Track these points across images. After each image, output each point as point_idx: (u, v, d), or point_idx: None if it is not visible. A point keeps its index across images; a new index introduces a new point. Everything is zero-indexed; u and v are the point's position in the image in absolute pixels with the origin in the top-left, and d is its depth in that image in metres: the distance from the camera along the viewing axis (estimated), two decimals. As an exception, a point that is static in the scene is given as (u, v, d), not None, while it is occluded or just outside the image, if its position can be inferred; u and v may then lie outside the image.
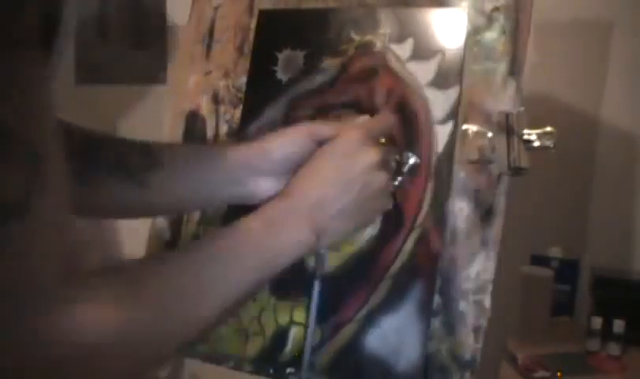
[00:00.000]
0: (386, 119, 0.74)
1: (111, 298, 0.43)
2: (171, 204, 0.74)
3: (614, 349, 1.32)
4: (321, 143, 0.70)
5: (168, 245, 0.96)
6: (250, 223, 0.60)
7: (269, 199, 0.66)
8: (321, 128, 0.71)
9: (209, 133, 0.98)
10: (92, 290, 0.42)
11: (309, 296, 0.84)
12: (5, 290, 0.38)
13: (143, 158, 0.68)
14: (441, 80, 0.84)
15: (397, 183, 0.71)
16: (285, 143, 0.71)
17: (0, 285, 0.38)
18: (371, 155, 0.66)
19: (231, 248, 0.57)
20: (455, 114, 0.83)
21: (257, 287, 0.60)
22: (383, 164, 0.67)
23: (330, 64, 0.91)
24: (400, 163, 0.71)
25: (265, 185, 0.70)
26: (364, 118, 0.76)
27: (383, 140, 0.72)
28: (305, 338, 0.78)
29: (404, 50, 0.88)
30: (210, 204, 0.79)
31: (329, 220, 0.64)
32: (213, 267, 0.54)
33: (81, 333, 0.40)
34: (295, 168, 0.69)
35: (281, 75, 0.94)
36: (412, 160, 0.71)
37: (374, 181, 0.66)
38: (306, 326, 0.77)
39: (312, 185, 0.64)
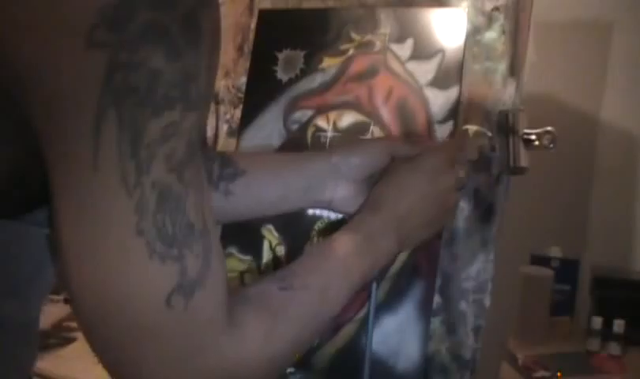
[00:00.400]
0: (465, 146, 0.78)
1: (260, 336, 0.50)
2: (255, 209, 0.77)
3: (614, 349, 1.32)
4: (394, 158, 0.74)
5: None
6: (355, 237, 0.65)
7: (359, 211, 0.71)
8: (401, 145, 0.76)
9: (209, 132, 0.98)
10: (242, 329, 0.49)
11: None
12: (192, 351, 0.45)
13: (223, 168, 0.73)
14: (441, 80, 0.84)
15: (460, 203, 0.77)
16: (365, 152, 0.76)
17: (189, 347, 0.45)
18: (452, 178, 0.71)
19: (343, 263, 0.62)
20: (455, 114, 0.83)
21: (359, 289, 0.65)
22: (459, 185, 0.73)
23: (330, 64, 0.91)
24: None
25: (341, 192, 0.74)
26: (446, 141, 0.80)
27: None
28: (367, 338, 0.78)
29: (404, 50, 0.88)
30: (291, 208, 0.82)
31: (412, 232, 0.69)
32: (334, 284, 0.60)
33: (236, 371, 0.48)
34: (368, 178, 0.74)
35: (281, 75, 0.94)
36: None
37: (450, 200, 0.72)
38: (366, 329, 0.78)
39: (401, 200, 0.69)
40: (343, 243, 0.64)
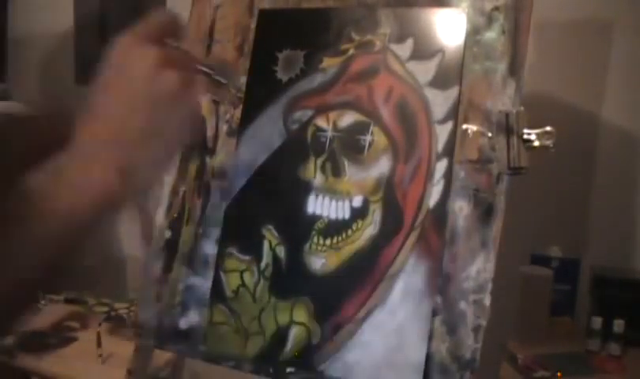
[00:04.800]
0: (164, 16, 0.56)
1: None
2: None
3: (614, 349, 1.31)
4: None
5: (168, 244, 0.96)
6: (37, 181, 0.45)
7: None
8: None
9: (209, 133, 0.98)
10: None
11: (309, 295, 0.84)
12: None
13: None
14: (441, 80, 0.84)
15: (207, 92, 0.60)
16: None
17: None
18: (149, 56, 0.50)
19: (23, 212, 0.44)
20: (455, 114, 0.83)
21: (67, 252, 0.46)
22: (169, 63, 0.50)
23: (330, 64, 0.91)
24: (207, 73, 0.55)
25: None
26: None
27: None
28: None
29: (404, 50, 0.88)
30: None
31: (129, 149, 0.48)
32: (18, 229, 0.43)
33: None
34: None
35: (281, 75, 0.94)
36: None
37: (162, 84, 0.49)
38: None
39: (89, 122, 0.49)
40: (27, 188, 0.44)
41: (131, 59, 0.51)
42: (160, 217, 0.98)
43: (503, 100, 0.81)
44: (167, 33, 0.54)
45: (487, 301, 0.76)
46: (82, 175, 0.46)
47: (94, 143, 0.48)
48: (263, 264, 0.89)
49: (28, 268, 0.44)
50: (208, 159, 0.97)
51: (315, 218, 0.87)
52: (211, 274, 0.92)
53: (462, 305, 0.77)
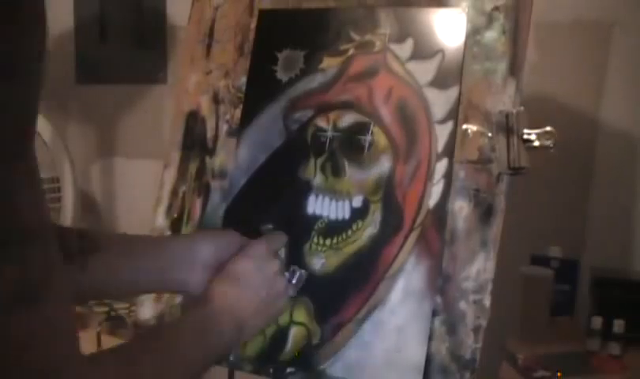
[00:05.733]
0: (283, 238, 0.85)
1: (111, 374, 0.52)
2: (110, 288, 0.78)
3: (614, 349, 1.31)
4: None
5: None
6: (187, 325, 0.71)
7: (198, 299, 0.75)
8: (245, 238, 0.81)
9: (209, 133, 0.98)
10: (98, 366, 0.52)
11: (309, 295, 0.84)
12: (38, 368, 0.43)
13: (81, 242, 0.73)
14: (441, 80, 0.84)
15: (290, 292, 0.83)
16: (219, 240, 0.80)
17: (34, 363, 0.43)
18: (275, 264, 0.79)
19: (183, 338, 0.67)
20: (455, 114, 0.83)
21: (194, 376, 0.69)
22: (282, 272, 0.80)
23: (330, 64, 0.91)
24: (292, 275, 0.83)
25: (197, 276, 0.77)
26: (267, 236, 0.84)
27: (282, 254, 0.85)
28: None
29: (404, 50, 0.88)
30: (148, 290, 0.88)
31: (246, 317, 0.74)
32: (174, 352, 0.65)
33: None
34: (221, 264, 0.77)
35: (281, 75, 0.94)
36: (299, 272, 0.84)
37: (278, 285, 0.79)
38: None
39: (229, 288, 0.74)
40: (180, 327, 0.70)
41: (266, 262, 0.78)
42: (160, 217, 0.98)
43: (503, 100, 0.81)
44: (280, 248, 0.84)
45: (487, 301, 0.76)
46: (217, 332, 0.70)
47: (226, 307, 0.72)
48: (263, 264, 0.89)
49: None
50: (208, 159, 0.97)
51: (315, 218, 0.87)
52: (211, 274, 0.92)
53: (462, 305, 0.77)
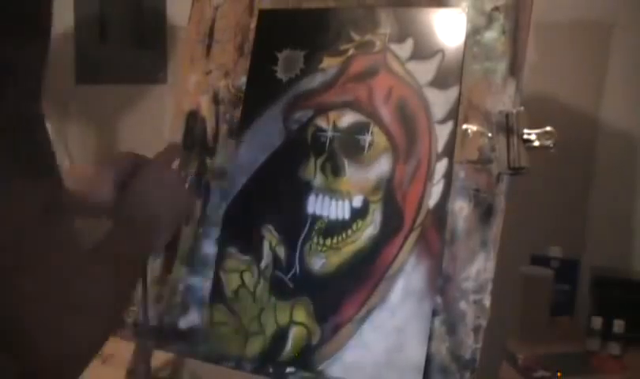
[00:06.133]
0: (176, 147, 0.93)
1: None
2: None
3: (614, 349, 1.31)
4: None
5: (168, 244, 0.96)
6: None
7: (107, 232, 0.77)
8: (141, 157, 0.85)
9: (209, 133, 0.98)
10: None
11: (309, 295, 0.84)
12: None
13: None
14: (441, 80, 0.84)
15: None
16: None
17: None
18: (172, 174, 0.86)
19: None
20: (455, 114, 0.83)
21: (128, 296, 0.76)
22: (181, 181, 0.90)
23: (330, 64, 0.91)
24: None
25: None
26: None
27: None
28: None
29: (404, 50, 0.88)
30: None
31: (158, 231, 0.78)
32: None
33: None
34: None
35: (281, 75, 0.94)
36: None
37: (179, 194, 0.83)
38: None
39: (135, 212, 0.78)
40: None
41: (162, 176, 0.82)
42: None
43: (503, 100, 0.81)
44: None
45: (487, 301, 0.76)
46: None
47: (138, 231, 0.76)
48: (263, 264, 0.89)
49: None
50: (208, 159, 0.97)
51: (315, 218, 0.87)
52: (211, 274, 0.92)
53: (462, 305, 0.77)
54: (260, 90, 0.95)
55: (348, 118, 0.88)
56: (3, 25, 0.49)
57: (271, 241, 0.89)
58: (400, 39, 0.88)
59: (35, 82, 0.55)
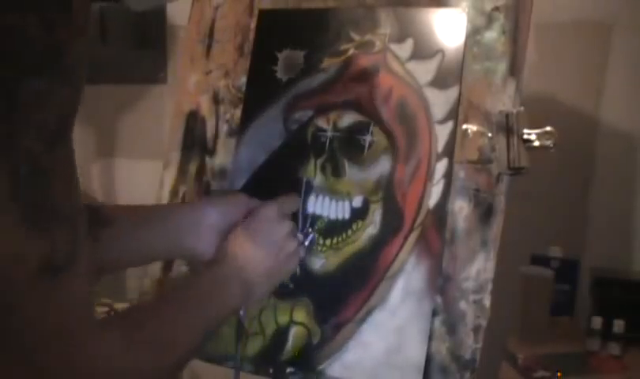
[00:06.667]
0: (295, 200, 0.86)
1: (118, 337, 0.55)
2: (122, 259, 0.80)
3: (614, 349, 1.31)
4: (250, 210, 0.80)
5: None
6: (200, 284, 0.73)
7: (209, 261, 0.77)
8: (257, 200, 0.82)
9: (209, 133, 0.98)
10: (108, 329, 0.55)
11: (309, 295, 0.84)
12: (55, 329, 0.48)
13: (93, 216, 0.74)
14: (441, 80, 0.84)
15: (302, 253, 0.84)
16: (226, 204, 0.82)
17: (53, 325, 0.48)
18: (286, 226, 0.80)
19: (192, 301, 0.69)
20: (455, 114, 0.83)
21: (207, 336, 0.70)
22: (293, 234, 0.81)
23: (330, 64, 0.91)
24: (305, 237, 0.85)
25: (205, 240, 0.78)
26: (278, 198, 0.84)
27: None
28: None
29: (404, 50, 0.88)
30: (159, 258, 0.90)
31: (256, 279, 0.75)
32: (182, 315, 0.67)
33: (96, 367, 0.52)
34: (229, 228, 0.78)
35: (281, 75, 0.94)
36: (311, 235, 0.85)
37: (289, 247, 0.80)
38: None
39: (241, 249, 0.75)
40: (191, 287, 0.72)
41: (277, 224, 0.79)
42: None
43: (503, 100, 0.81)
44: (292, 210, 0.84)
45: (487, 301, 0.76)
46: (227, 292, 0.72)
47: (235, 269, 0.73)
48: (263, 264, 0.89)
49: (191, 339, 0.66)
50: (208, 159, 0.97)
51: (315, 218, 0.87)
52: (211, 274, 0.92)
53: (462, 305, 0.77)
54: (260, 90, 0.95)
55: (348, 118, 0.88)
56: None
57: (271, 241, 0.89)
58: (400, 39, 0.88)
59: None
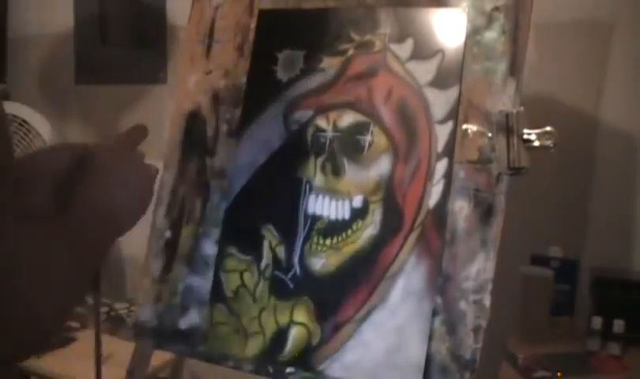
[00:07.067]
0: (143, 130, 0.76)
1: None
2: None
3: (614, 349, 1.31)
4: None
5: (168, 244, 0.96)
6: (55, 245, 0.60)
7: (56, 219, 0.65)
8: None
9: (209, 133, 0.98)
10: None
11: (309, 295, 0.84)
12: None
13: None
14: (441, 80, 0.84)
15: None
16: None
17: None
18: (138, 155, 0.71)
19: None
20: (455, 114, 0.83)
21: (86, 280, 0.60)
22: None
23: (330, 64, 0.91)
24: None
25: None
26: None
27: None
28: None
29: (404, 50, 0.88)
30: None
31: (124, 211, 0.66)
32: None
33: None
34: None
35: (281, 75, 0.94)
36: None
37: (146, 170, 0.70)
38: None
39: (96, 190, 0.65)
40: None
41: (127, 153, 0.70)
42: (160, 217, 0.98)
43: (503, 100, 0.81)
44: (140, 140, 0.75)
45: (487, 301, 0.76)
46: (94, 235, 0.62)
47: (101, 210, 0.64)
48: (263, 264, 0.89)
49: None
50: (208, 159, 0.97)
51: (315, 218, 0.87)
52: (211, 274, 0.92)
53: (462, 305, 0.77)
54: (260, 90, 0.95)
55: (348, 118, 0.88)
56: None
57: (271, 241, 0.89)
58: (400, 39, 0.88)
59: None
